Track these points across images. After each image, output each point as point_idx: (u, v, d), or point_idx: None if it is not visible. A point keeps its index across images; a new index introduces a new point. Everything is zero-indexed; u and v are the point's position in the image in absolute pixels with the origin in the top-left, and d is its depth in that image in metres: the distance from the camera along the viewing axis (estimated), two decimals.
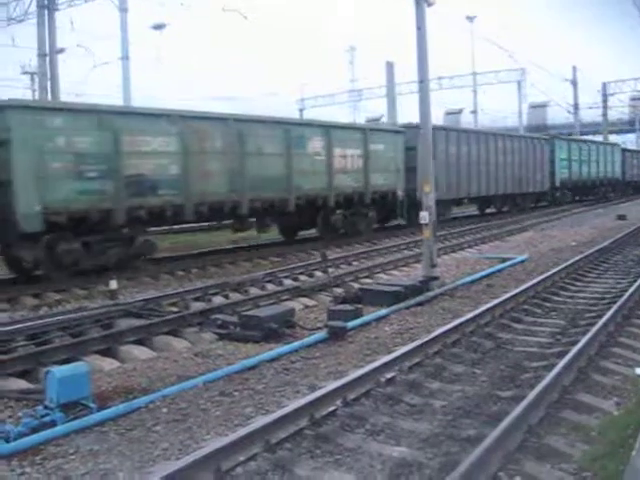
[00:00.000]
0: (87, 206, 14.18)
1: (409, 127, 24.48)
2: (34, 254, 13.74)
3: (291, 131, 19.69)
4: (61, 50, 29.29)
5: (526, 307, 10.40)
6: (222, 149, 17.43)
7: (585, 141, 45.87)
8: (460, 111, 63.33)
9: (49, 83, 26.72)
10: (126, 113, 16.43)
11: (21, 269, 14.64)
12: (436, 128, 22.44)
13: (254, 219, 19.40)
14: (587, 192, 44.33)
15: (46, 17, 27.02)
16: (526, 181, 34.70)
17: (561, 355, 7.16)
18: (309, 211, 20.85)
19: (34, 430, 5.66)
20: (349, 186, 21.90)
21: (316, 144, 20.69)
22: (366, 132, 23.06)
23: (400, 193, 23.86)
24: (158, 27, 35.52)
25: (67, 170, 13.79)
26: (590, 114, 59.47)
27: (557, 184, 38.35)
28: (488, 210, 34.00)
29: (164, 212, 15.90)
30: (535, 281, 11.83)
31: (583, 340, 7.51)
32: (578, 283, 12.54)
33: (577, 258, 14.69)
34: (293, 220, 21.38)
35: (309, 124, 22.12)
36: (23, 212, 13.02)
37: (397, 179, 24.06)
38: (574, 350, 7.11)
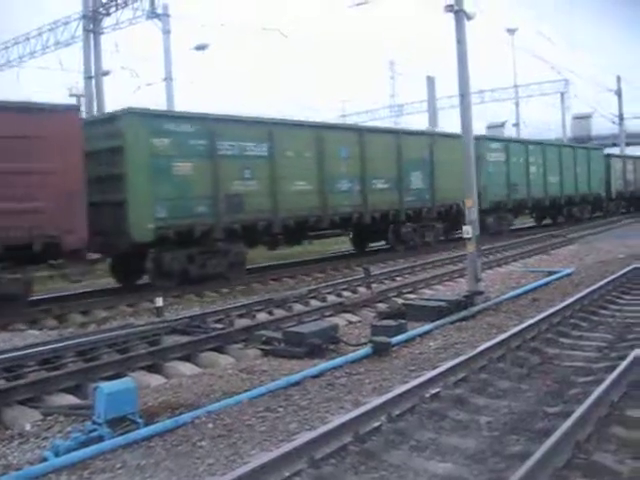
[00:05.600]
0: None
1: None
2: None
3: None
4: (106, 72, 29.91)
5: (573, 321, 10.24)
6: None
7: None
8: (502, 124, 62.78)
9: (95, 105, 27.28)
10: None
11: None
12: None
13: None
14: None
15: (92, 41, 27.67)
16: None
17: (609, 370, 7.03)
18: None
19: (82, 445, 5.76)
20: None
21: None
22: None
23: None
24: (200, 48, 36.00)
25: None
26: (636, 124, 58.54)
27: None
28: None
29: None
30: (582, 294, 11.63)
31: (632, 354, 7.35)
32: (626, 296, 12.31)
33: (625, 271, 14.42)
34: None
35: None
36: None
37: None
38: (623, 364, 6.97)
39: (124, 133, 14.92)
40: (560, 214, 35.64)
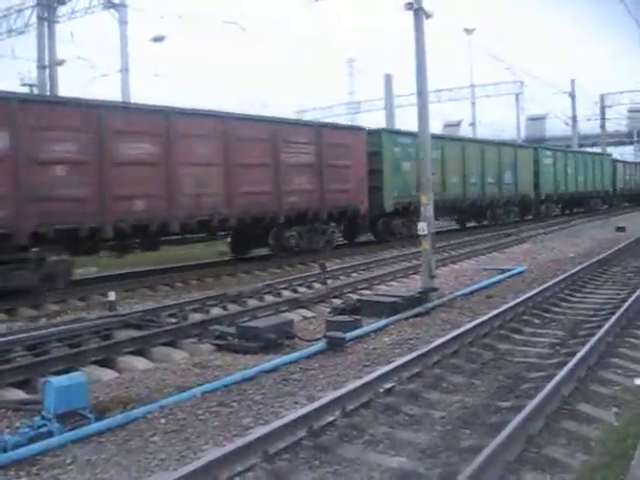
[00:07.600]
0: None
1: None
2: None
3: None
4: (61, 62, 29.35)
5: (525, 318, 10.38)
6: None
7: None
8: (458, 123, 63.48)
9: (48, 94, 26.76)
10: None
11: None
12: None
13: None
14: None
15: (46, 29, 27.15)
16: None
17: (560, 366, 7.14)
18: None
19: (31, 440, 5.63)
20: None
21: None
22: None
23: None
24: (158, 39, 35.58)
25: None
26: (588, 126, 59.89)
27: None
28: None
29: None
30: (534, 292, 11.82)
31: (582, 351, 7.49)
32: (577, 294, 12.53)
33: (576, 269, 14.68)
34: None
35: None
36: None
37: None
38: (573, 360, 7.09)
39: (382, 143, 24.32)
40: (580, 205, 45.45)
